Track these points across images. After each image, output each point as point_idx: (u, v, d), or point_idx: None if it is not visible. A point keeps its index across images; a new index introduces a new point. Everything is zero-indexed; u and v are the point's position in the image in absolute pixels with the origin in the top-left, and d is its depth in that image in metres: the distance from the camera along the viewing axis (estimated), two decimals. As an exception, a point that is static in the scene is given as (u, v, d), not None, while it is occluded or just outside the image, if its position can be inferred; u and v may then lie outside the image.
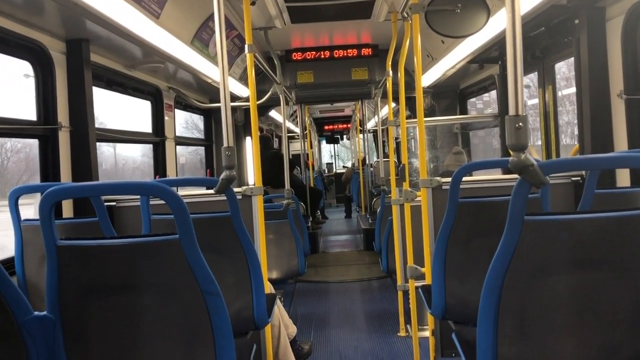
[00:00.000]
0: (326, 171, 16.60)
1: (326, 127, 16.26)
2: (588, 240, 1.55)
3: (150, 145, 5.15)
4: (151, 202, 2.45)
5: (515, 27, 1.52)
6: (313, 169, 11.81)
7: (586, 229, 1.55)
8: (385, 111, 10.49)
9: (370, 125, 10.71)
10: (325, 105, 12.08)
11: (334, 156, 19.71)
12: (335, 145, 18.94)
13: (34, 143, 3.30)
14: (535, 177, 1.48)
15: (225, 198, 2.31)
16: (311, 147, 12.57)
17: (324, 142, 17.85)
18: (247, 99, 5.73)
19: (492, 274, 1.60)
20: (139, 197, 2.81)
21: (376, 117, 11.23)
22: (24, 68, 3.14)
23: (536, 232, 1.55)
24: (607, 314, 1.59)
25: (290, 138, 14.90)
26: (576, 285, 1.59)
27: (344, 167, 18.03)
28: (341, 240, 9.64)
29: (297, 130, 6.14)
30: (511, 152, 1.52)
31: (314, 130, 14.77)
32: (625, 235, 1.55)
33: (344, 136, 17.26)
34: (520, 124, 1.51)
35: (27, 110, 3.20)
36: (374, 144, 12.18)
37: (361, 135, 11.08)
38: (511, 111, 1.52)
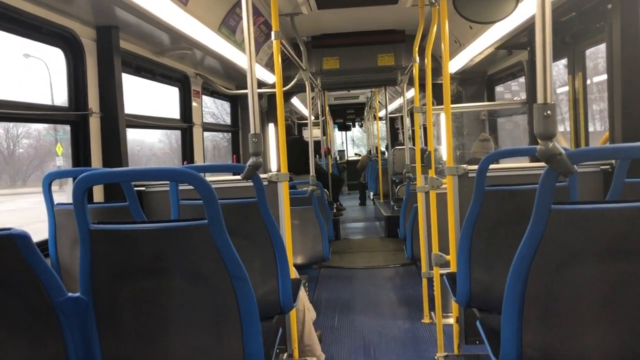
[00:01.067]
0: (338, 158, 16.54)
1: (339, 114, 16.17)
2: (616, 230, 1.54)
3: (166, 131, 5.20)
4: (180, 188, 2.50)
5: (544, 13, 1.50)
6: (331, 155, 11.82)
7: (615, 218, 1.53)
8: (408, 97, 10.47)
9: (387, 112, 10.65)
10: (341, 92, 12.02)
11: (345, 143, 19.61)
12: (347, 132, 18.81)
13: (41, 129, 3.37)
14: (563, 166, 1.47)
15: (251, 184, 2.35)
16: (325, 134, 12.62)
17: (336, 129, 17.77)
18: (272, 86, 5.75)
19: (517, 263, 1.60)
20: (167, 182, 2.86)
21: (398, 103, 11.14)
22: (24, 48, 3.15)
23: (563, 221, 1.54)
24: (635, 306, 1.58)
25: (304, 125, 14.91)
26: (603, 276, 1.58)
27: (355, 154, 17.95)
28: (359, 228, 9.65)
29: (309, 116, 6.18)
30: (539, 140, 1.51)
31: (331, 117, 14.73)
32: None
33: (357, 123, 17.13)
34: (549, 111, 1.49)
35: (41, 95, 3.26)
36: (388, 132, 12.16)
37: (381, 123, 11.02)
38: (539, 99, 1.51)
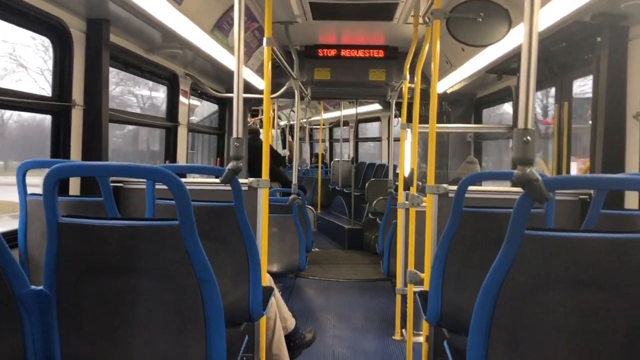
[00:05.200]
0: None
1: None
2: (587, 260, 1.54)
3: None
4: (157, 187, 2.47)
5: (531, 41, 1.51)
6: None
7: (586, 248, 1.54)
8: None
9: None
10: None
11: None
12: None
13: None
14: (539, 192, 1.47)
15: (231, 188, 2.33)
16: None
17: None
18: (262, 92, 5.74)
19: (487, 285, 1.60)
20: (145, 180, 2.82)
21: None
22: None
23: (535, 247, 1.54)
24: (601, 336, 1.58)
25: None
26: (572, 305, 1.58)
27: None
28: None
29: (296, 124, 6.24)
30: (517, 165, 1.51)
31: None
32: (625, 259, 1.54)
33: None
34: (529, 137, 1.50)
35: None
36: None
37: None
38: (520, 124, 1.52)
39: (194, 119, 6.68)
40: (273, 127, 14.01)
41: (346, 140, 12.39)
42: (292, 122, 14.03)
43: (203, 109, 7.43)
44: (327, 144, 14.21)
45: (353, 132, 11.73)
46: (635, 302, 1.55)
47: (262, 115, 9.80)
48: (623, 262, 1.54)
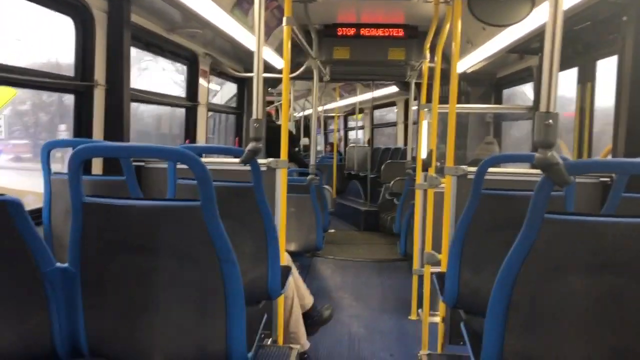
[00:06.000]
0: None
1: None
2: (607, 244, 1.54)
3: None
4: (178, 166, 2.50)
5: (556, 21, 1.49)
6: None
7: (606, 232, 1.53)
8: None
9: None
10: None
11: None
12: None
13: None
14: (559, 176, 1.46)
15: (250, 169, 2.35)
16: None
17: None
18: (280, 71, 5.74)
19: (506, 268, 1.60)
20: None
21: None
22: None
23: (555, 230, 1.54)
24: (619, 320, 1.58)
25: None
26: (590, 288, 1.58)
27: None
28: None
29: (314, 104, 6.25)
30: (538, 149, 1.50)
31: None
32: None
33: None
34: (551, 121, 1.48)
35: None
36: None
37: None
38: (542, 107, 1.50)
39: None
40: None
41: (361, 128, 12.39)
42: (305, 113, 14.07)
43: (222, 94, 7.43)
44: (342, 132, 14.21)
45: (369, 118, 11.70)
46: None
47: (277, 102, 9.86)
48: None
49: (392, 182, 7.78)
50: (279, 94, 11.88)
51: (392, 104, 11.30)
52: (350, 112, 13.19)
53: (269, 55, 5.86)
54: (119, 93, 3.45)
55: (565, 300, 1.59)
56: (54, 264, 1.68)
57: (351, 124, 13.90)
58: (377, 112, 12.60)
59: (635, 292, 1.56)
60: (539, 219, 1.52)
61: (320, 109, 12.41)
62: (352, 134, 13.92)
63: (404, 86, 8.44)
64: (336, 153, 11.12)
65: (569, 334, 1.61)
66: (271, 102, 10.54)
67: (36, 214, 2.84)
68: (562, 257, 1.56)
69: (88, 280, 1.72)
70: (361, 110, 11.98)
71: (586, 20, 3.83)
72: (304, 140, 13.34)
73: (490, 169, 2.32)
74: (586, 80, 4.25)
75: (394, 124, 11.53)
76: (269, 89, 7.90)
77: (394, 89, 9.95)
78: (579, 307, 1.59)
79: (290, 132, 9.04)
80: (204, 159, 3.17)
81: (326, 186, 7.01)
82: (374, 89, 10.22)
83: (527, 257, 1.56)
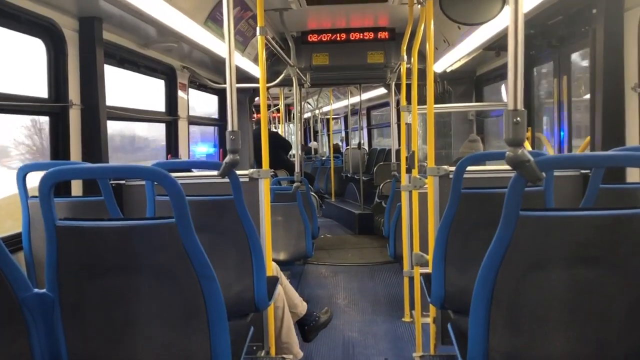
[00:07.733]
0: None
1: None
2: (583, 238, 1.54)
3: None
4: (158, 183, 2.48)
5: (517, 21, 1.50)
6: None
7: (582, 226, 1.54)
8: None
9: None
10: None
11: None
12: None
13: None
14: (531, 173, 1.47)
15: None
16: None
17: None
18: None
19: (485, 267, 1.60)
20: None
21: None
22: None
23: (531, 227, 1.54)
24: (599, 312, 1.59)
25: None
26: (570, 282, 1.58)
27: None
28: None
29: (295, 111, 6.26)
30: (508, 147, 1.50)
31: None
32: (622, 234, 1.54)
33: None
34: (519, 118, 1.49)
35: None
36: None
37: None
38: (510, 105, 1.51)
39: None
40: (288, 120, 14.05)
41: (355, 129, 12.39)
42: (305, 115, 14.07)
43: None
44: (343, 134, 14.20)
45: (365, 119, 11.69)
46: (632, 277, 1.55)
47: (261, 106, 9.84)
48: (619, 239, 1.54)
49: (382, 185, 7.79)
50: (275, 98, 11.95)
51: (387, 104, 11.32)
52: (354, 112, 13.23)
53: (248, 65, 5.86)
54: (95, 112, 3.42)
55: (546, 295, 1.60)
56: (32, 290, 1.65)
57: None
58: (377, 112, 12.63)
59: (614, 283, 1.56)
60: (514, 216, 1.52)
61: (326, 109, 12.38)
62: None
63: (389, 88, 8.48)
64: (334, 155, 11.07)
65: (550, 328, 1.62)
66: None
67: (16, 238, 2.81)
68: (540, 253, 1.56)
69: (67, 303, 1.70)
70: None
71: (558, 14, 3.86)
72: (312, 144, 13.34)
73: (472, 168, 2.32)
74: (562, 73, 4.28)
75: (388, 125, 11.55)
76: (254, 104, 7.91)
77: (384, 90, 10.01)
78: (560, 301, 1.60)
79: (282, 138, 9.04)
80: (185, 174, 3.15)
81: (312, 193, 7.00)
82: (361, 91, 10.25)
83: (505, 255, 1.56)
